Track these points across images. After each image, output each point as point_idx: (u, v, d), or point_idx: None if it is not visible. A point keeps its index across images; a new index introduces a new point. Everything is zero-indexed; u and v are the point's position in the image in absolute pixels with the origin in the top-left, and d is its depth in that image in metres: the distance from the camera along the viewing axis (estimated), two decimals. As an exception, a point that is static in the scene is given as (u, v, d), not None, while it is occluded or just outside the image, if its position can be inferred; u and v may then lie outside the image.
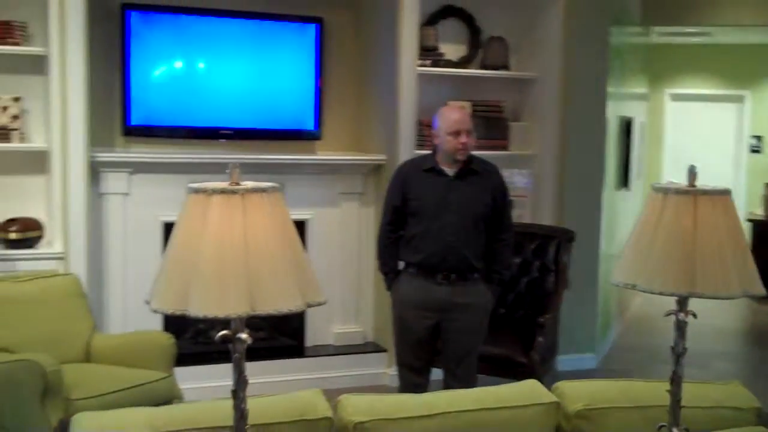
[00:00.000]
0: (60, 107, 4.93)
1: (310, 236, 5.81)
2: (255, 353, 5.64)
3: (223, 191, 1.87)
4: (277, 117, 5.81)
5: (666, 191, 2.26)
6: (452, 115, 4.23)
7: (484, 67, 6.25)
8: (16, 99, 5.09)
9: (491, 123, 6.22)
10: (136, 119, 5.45)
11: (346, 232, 5.83)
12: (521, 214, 6.20)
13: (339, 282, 5.86)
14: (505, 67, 6.26)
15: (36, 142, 5.10)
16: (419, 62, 5.79)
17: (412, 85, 5.69)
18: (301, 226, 5.80)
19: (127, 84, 5.41)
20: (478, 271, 4.25)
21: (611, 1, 6.37)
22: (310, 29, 5.83)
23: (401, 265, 4.34)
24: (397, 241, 4.32)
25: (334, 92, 6.00)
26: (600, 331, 6.57)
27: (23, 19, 5.09)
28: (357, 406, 2.32)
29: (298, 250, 1.96)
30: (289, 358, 5.76)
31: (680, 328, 2.34)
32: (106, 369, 4.25)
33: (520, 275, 5.48)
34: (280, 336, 5.86)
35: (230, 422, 2.03)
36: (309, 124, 5.89)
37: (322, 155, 5.93)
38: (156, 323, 5.08)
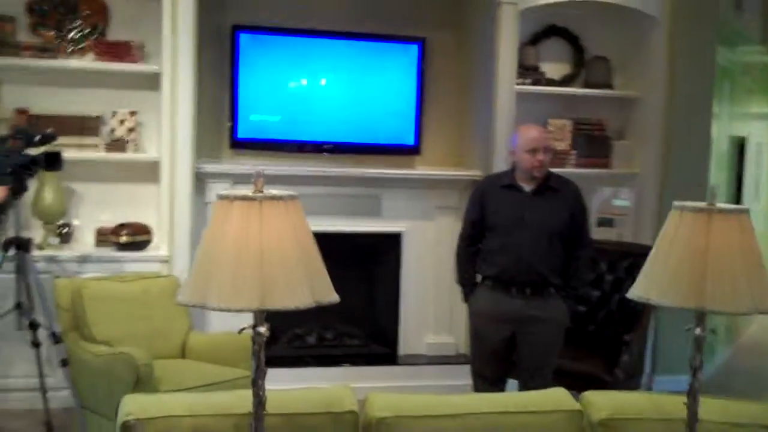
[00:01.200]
0: (170, 121, 5.29)
1: (404, 248, 6.00)
2: (350, 359, 5.97)
3: (243, 198, 2.07)
4: (378, 132, 6.03)
5: (682, 209, 2.32)
6: (530, 134, 4.33)
7: (587, 86, 6.29)
8: (133, 113, 5.49)
9: (593, 141, 6.25)
10: (242, 133, 5.77)
11: (440, 245, 5.97)
12: (622, 233, 6.20)
13: (432, 294, 6.01)
14: (608, 86, 6.29)
15: (149, 153, 5.48)
16: (519, 81, 5.90)
17: (509, 103, 5.80)
18: (396, 238, 6.01)
19: (235, 100, 5.73)
20: (554, 285, 4.32)
21: (719, 20, 6.29)
22: (413, 48, 6.03)
23: (478, 277, 4.46)
24: (474, 255, 4.45)
25: (434, 109, 6.16)
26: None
27: (141, 39, 5.49)
28: (383, 403, 2.48)
29: (312, 253, 2.14)
30: (382, 365, 5.94)
31: (698, 343, 2.39)
32: (196, 365, 4.54)
33: (612, 292, 5.50)
34: (375, 344, 6.05)
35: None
36: (409, 140, 6.08)
37: (420, 170, 6.10)
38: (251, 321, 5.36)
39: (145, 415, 2.34)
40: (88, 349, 4.35)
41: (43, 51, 5.34)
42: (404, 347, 6.07)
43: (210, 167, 5.54)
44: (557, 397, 2.62)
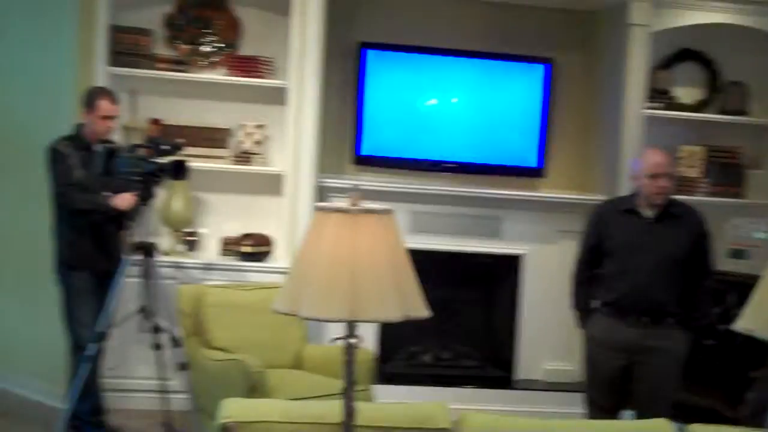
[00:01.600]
0: (294, 135, 5.41)
1: (524, 271, 5.94)
2: (465, 380, 5.93)
3: (338, 211, 2.10)
4: (500, 153, 6.00)
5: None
6: (653, 159, 4.21)
7: (722, 112, 6.09)
8: (260, 126, 5.64)
9: (725, 169, 6.06)
10: (365, 149, 5.85)
11: (561, 269, 5.78)
12: (754, 265, 5.95)
13: (552, 319, 5.90)
14: (744, 113, 6.07)
15: (274, 166, 5.62)
16: (649, 105, 5.77)
17: (637, 127, 5.68)
18: (515, 260, 5.94)
19: (360, 116, 5.82)
20: (673, 315, 4.18)
21: None
22: (539, 69, 5.98)
23: (594, 303, 4.36)
24: (591, 280, 4.36)
25: (559, 131, 6.09)
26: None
27: (270, 55, 5.64)
28: (476, 423, 2.46)
29: (404, 268, 2.14)
30: (498, 388, 5.87)
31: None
32: (309, 376, 4.60)
33: (739, 326, 5.27)
34: (491, 366, 5.99)
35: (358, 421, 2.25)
36: (532, 161, 6.02)
37: (543, 192, 6.02)
38: (368, 337, 5.42)
39: (242, 419, 2.40)
40: (205, 354, 4.48)
41: (178, 64, 5.56)
42: (521, 372, 6.00)
43: (331, 181, 5.62)
44: (659, 427, 2.54)
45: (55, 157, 4.54)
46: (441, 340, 6.03)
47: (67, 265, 4.64)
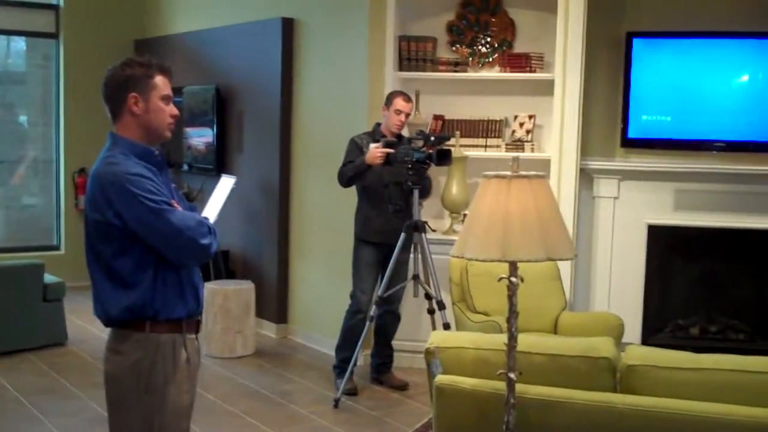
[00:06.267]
0: (559, 123, 5.90)
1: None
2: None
3: (498, 177, 2.66)
4: (770, 130, 6.05)
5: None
6: None
7: None
8: (531, 116, 6.20)
9: None
10: (633, 132, 6.17)
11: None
12: None
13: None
14: None
15: (545, 152, 6.14)
16: None
17: None
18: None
19: (628, 101, 6.16)
20: None
21: None
22: (810, 44, 5.96)
23: None
24: None
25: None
26: None
27: (542, 50, 6.18)
28: (636, 353, 2.89)
29: (551, 219, 2.64)
30: None
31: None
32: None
33: None
34: (761, 340, 6.07)
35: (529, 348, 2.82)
36: (805, 137, 6.01)
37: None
38: (635, 311, 5.84)
39: (442, 345, 3.03)
40: (469, 316, 5.13)
41: (456, 65, 6.28)
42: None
43: (595, 164, 6.05)
44: None
45: (350, 146, 5.47)
46: (710, 314, 6.19)
47: (358, 239, 5.55)
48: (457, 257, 2.73)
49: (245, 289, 6.52)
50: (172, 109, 2.81)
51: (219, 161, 7.49)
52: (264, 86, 7.06)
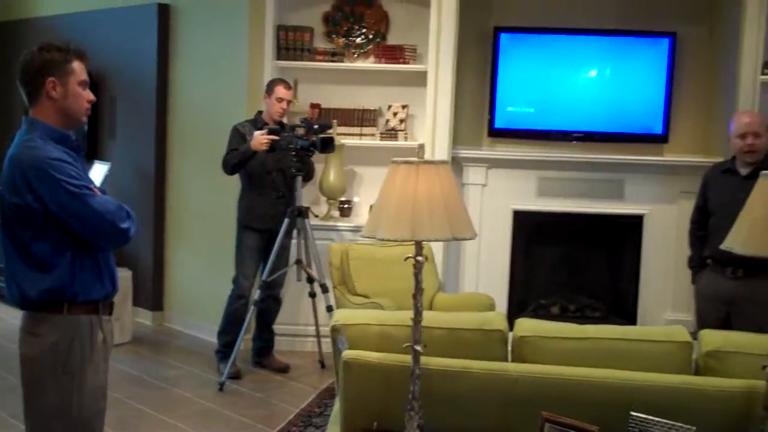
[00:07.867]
0: (432, 113, 6.16)
1: (646, 230, 6.48)
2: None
3: (406, 162, 2.85)
4: (625, 122, 6.51)
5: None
6: (741, 119, 4.67)
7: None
8: (404, 106, 6.44)
9: None
10: (499, 123, 6.52)
11: (682, 227, 6.29)
12: None
13: (672, 273, 6.39)
14: None
15: (416, 140, 6.39)
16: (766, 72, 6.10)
17: (752, 94, 6.02)
18: (637, 220, 6.47)
19: (494, 93, 6.49)
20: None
21: None
22: (663, 43, 6.44)
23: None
24: (701, 238, 4.83)
25: (682, 100, 6.52)
26: None
27: (414, 43, 6.42)
28: (526, 325, 3.15)
29: (454, 201, 2.85)
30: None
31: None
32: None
33: None
34: (615, 317, 6.53)
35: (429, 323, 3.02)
36: (657, 129, 6.49)
37: (667, 157, 6.49)
38: (501, 291, 6.17)
39: (347, 322, 3.20)
40: (349, 299, 5.32)
41: (333, 55, 6.45)
42: (642, 321, 6.51)
43: (465, 152, 6.37)
44: (674, 331, 3.12)
45: (233, 134, 5.56)
46: (568, 294, 6.63)
47: (242, 226, 5.64)
48: (369, 238, 2.90)
49: (122, 276, 6.44)
50: (89, 95, 2.87)
51: (91, 147, 7.39)
52: (138, 72, 7.01)
